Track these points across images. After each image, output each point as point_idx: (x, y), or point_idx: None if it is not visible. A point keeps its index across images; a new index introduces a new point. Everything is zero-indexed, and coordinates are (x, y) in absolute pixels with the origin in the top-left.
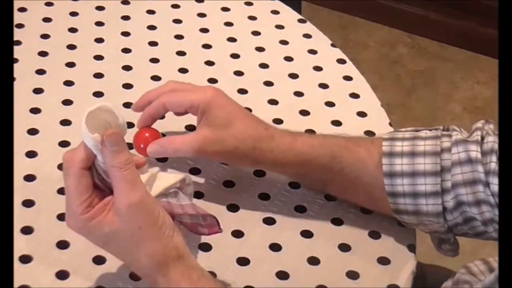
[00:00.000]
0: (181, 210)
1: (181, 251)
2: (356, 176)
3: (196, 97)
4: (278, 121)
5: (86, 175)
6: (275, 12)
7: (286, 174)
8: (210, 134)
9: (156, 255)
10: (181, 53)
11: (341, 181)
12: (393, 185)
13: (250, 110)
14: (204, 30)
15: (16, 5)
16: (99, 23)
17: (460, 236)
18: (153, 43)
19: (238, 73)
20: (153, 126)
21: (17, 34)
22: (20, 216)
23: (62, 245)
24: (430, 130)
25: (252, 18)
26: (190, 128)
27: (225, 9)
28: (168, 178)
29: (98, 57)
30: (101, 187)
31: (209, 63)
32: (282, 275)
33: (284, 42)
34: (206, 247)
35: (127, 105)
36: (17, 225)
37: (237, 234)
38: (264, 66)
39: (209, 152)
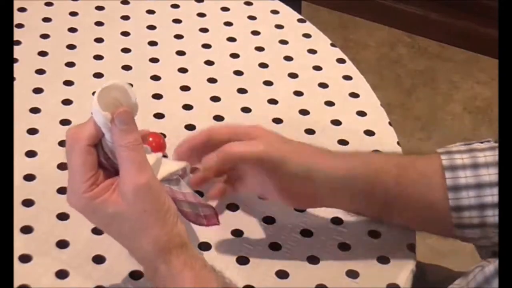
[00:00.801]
0: (182, 197)
1: (184, 239)
2: (421, 193)
3: (248, 149)
4: (278, 120)
5: (92, 152)
6: (275, 12)
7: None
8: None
9: (160, 241)
10: (181, 53)
11: (404, 202)
12: (458, 198)
13: (249, 110)
14: (204, 30)
15: (16, 5)
16: (99, 23)
17: None
18: (153, 43)
19: (238, 73)
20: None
21: (17, 34)
22: (20, 216)
23: (62, 244)
24: (481, 142)
25: (252, 18)
26: (190, 127)
27: (225, 9)
28: (171, 164)
29: (98, 57)
30: (106, 167)
31: (209, 62)
32: (282, 274)
33: (283, 42)
34: (206, 246)
35: None
36: (17, 225)
37: (237, 233)
38: (263, 65)
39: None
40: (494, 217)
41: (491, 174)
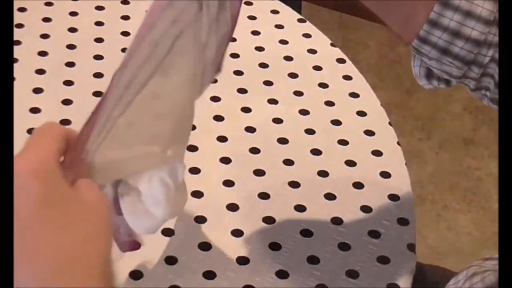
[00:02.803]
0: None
1: None
2: None
3: None
4: (278, 120)
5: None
6: (275, 11)
7: None
8: None
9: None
10: None
11: None
12: (440, 15)
13: (249, 110)
14: None
15: (16, 5)
16: (99, 23)
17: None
18: None
19: (238, 73)
20: None
21: (17, 34)
22: None
23: None
24: None
25: (252, 17)
26: None
27: None
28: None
29: (98, 57)
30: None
31: None
32: (282, 274)
33: (284, 42)
34: (206, 247)
35: None
36: None
37: (237, 233)
38: (264, 65)
39: None
40: (461, 49)
41: (485, 9)
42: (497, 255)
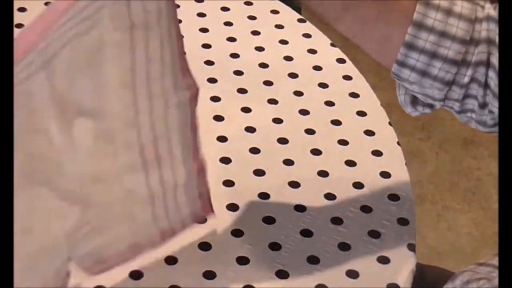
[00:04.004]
0: None
1: None
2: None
3: None
4: (278, 120)
5: None
6: (274, 11)
7: None
8: None
9: None
10: None
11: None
12: (415, 36)
13: (250, 110)
14: (204, 30)
15: (16, 5)
16: None
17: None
18: None
19: (238, 73)
20: None
21: (17, 34)
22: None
23: None
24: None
25: (252, 17)
26: None
27: (225, 8)
28: None
29: None
30: None
31: (209, 62)
32: (282, 274)
33: (283, 42)
34: (206, 246)
35: None
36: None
37: (237, 233)
38: (263, 65)
39: None
40: (440, 70)
41: (460, 29)
42: (491, 260)
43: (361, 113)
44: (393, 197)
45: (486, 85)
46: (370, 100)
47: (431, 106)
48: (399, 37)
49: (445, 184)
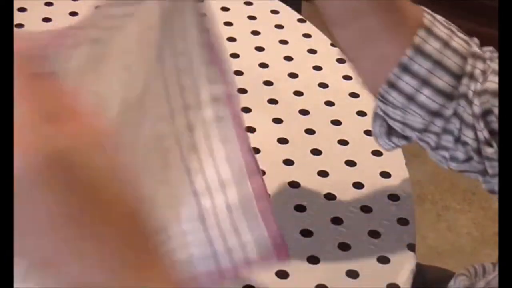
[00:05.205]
0: None
1: None
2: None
3: None
4: (278, 120)
5: None
6: (274, 11)
7: None
8: None
9: None
10: None
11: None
12: (412, 60)
13: (250, 110)
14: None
15: (16, 5)
16: None
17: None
18: None
19: (238, 73)
20: None
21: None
22: None
23: None
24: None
25: (252, 17)
26: None
27: (225, 8)
28: None
29: None
30: None
31: None
32: (282, 274)
33: (283, 42)
34: None
35: None
36: None
37: None
38: (263, 65)
39: None
40: (427, 99)
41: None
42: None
43: (361, 113)
44: (393, 197)
45: (461, 117)
46: (370, 100)
47: (406, 138)
48: (395, 58)
49: (445, 184)
